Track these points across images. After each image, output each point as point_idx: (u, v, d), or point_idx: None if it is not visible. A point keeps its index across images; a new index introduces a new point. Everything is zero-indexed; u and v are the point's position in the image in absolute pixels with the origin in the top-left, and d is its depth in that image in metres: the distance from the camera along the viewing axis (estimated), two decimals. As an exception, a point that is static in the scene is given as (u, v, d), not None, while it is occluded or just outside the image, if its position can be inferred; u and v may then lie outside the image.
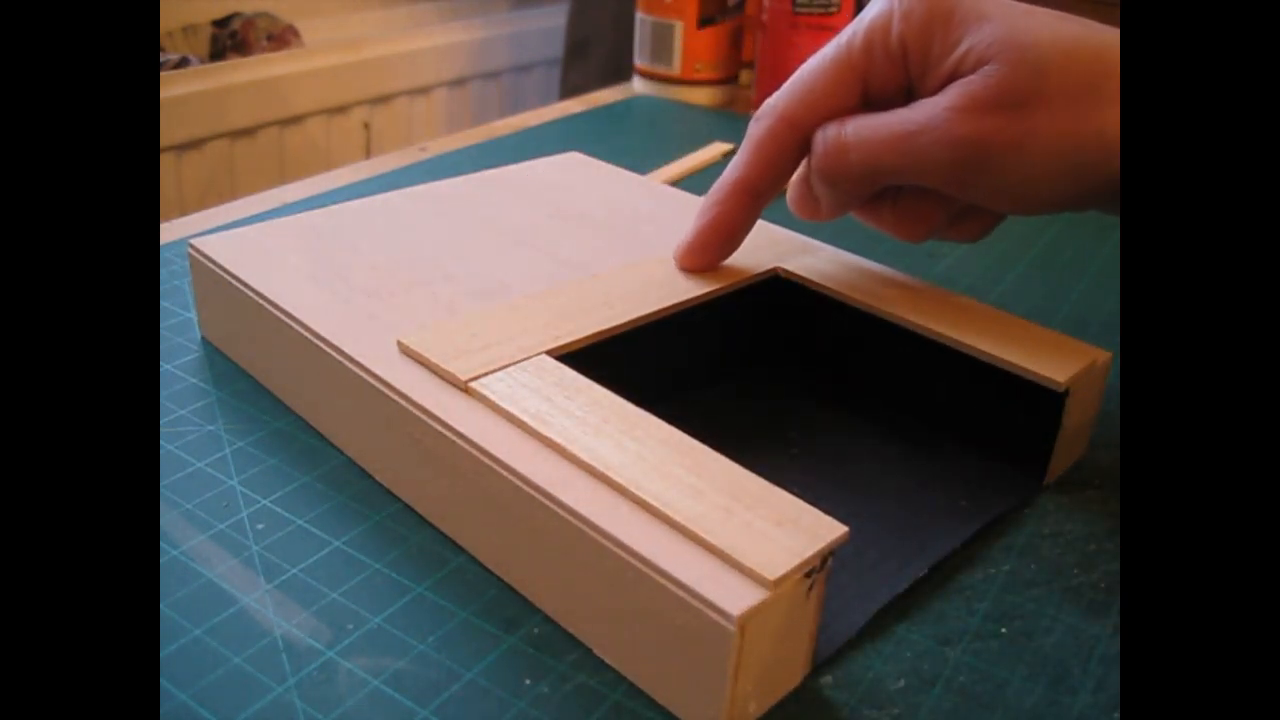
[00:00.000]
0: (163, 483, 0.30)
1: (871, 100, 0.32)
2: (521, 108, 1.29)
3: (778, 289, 0.36)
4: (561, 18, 1.27)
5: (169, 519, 0.29)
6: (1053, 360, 0.31)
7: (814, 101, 0.32)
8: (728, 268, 0.35)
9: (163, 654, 0.24)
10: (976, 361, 0.31)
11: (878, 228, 0.34)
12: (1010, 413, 0.32)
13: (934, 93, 0.31)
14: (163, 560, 0.27)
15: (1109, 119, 0.29)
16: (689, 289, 0.34)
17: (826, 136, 0.32)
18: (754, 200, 0.34)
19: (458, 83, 1.33)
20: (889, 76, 0.32)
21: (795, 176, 0.35)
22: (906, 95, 0.32)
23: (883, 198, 0.34)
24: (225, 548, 0.28)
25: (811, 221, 0.35)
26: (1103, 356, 0.31)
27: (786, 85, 0.33)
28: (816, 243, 0.38)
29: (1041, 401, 0.31)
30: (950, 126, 0.29)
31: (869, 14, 0.32)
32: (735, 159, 0.34)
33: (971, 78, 0.29)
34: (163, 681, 0.24)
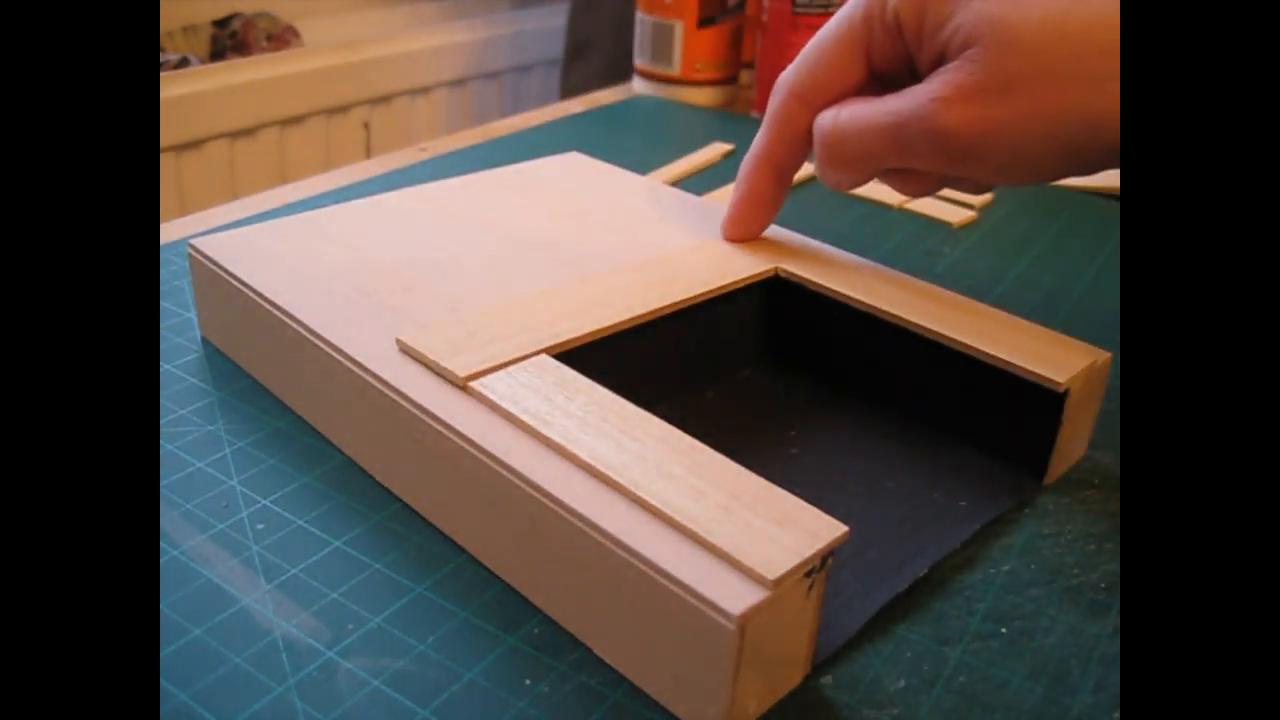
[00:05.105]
0: (163, 483, 0.30)
1: (877, 71, 0.33)
2: (521, 108, 1.29)
3: (778, 289, 0.36)
4: (561, 18, 1.26)
5: (169, 519, 0.29)
6: (1053, 360, 0.31)
7: (821, 75, 0.34)
8: (728, 268, 0.35)
9: (163, 654, 0.24)
10: (976, 361, 0.31)
11: (883, 183, 0.36)
12: (1010, 413, 0.32)
13: (930, 67, 0.31)
14: (163, 560, 0.27)
15: (1094, 96, 0.29)
16: (689, 289, 0.34)
17: (823, 126, 0.33)
18: (776, 173, 0.36)
19: (458, 83, 1.33)
20: (889, 49, 0.33)
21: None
22: (910, 68, 0.33)
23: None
24: (225, 548, 0.28)
25: (836, 191, 0.37)
26: (1103, 356, 0.31)
27: (796, 60, 0.34)
28: (816, 243, 0.38)
29: (1041, 401, 0.31)
30: (935, 118, 0.30)
31: None
32: (758, 133, 0.36)
33: (957, 64, 0.30)
34: (163, 681, 0.24)
